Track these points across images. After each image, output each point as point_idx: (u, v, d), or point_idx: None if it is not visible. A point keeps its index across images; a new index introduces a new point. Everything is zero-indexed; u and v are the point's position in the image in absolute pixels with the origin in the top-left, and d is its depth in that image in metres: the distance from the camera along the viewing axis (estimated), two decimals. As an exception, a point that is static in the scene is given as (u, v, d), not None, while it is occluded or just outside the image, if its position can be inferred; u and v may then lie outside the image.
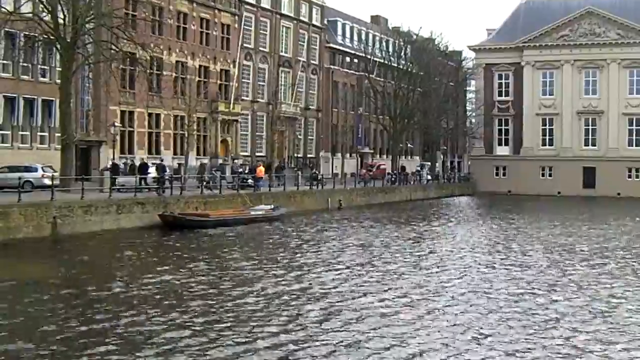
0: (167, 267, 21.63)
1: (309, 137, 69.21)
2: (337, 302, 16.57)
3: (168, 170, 39.83)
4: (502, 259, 25.21)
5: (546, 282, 19.96)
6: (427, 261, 23.97)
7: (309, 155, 68.41)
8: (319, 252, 25.76)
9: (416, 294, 17.88)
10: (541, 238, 32.15)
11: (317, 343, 12.84)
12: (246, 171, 48.19)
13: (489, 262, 24.26)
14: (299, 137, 66.16)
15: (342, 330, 13.79)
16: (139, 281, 19.20)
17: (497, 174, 73.30)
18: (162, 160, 42.02)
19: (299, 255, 25.03)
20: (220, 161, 54.31)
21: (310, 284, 19.15)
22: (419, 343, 12.94)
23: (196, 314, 15.14)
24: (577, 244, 29.84)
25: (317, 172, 55.01)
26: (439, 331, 13.92)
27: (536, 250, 27.73)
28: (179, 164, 43.92)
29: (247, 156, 59.64)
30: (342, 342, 12.92)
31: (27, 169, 34.62)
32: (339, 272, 21.31)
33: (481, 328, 14.34)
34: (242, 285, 18.66)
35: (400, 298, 17.33)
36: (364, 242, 28.98)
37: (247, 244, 27.96)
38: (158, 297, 17.01)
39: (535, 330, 14.25)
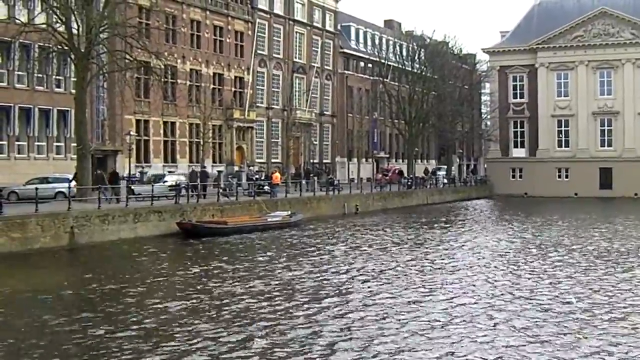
0: (198, 270, 21.30)
1: (325, 143, 68.96)
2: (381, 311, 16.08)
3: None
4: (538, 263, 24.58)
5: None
6: (467, 270, 23.19)
7: (324, 161, 68.12)
8: (347, 257, 25.34)
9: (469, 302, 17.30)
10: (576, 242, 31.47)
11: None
12: (262, 178, 47.84)
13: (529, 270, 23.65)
14: (314, 142, 65.89)
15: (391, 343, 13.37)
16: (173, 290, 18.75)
17: (513, 176, 72.56)
18: (204, 167, 42.79)
19: (324, 259, 24.61)
20: (236, 168, 54.08)
21: (351, 287, 19.08)
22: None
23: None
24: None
25: (333, 178, 54.58)
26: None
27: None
28: (218, 172, 44.26)
29: (262, 163, 59.42)
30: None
31: (58, 180, 34.39)
32: (370, 275, 21.06)
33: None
34: (277, 293, 18.34)
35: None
36: (385, 247, 28.45)
37: (273, 249, 27.84)
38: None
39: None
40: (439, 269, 22.67)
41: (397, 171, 66.35)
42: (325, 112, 68.49)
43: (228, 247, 28.75)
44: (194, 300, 17.27)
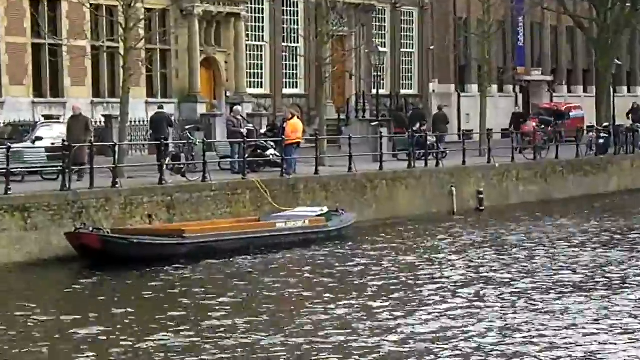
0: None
1: (404, 51, 68.61)
2: None
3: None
4: None
5: None
6: None
7: (403, 91, 68.21)
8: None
9: None
10: None
11: None
12: (263, 130, 47.36)
13: None
14: (381, 49, 65.04)
15: None
16: None
17: None
18: (161, 107, 44.39)
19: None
20: (200, 109, 53.72)
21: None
22: None
23: None
24: None
25: (423, 130, 53.44)
26: None
27: None
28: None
29: (263, 96, 59.10)
30: None
31: None
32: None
33: None
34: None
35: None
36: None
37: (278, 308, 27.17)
38: None
39: None
40: None
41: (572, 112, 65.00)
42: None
43: (172, 293, 28.40)
44: None
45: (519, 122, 62.78)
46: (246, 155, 40.91)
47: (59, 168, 34.75)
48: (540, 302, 27.09)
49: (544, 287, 29.30)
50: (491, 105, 64.54)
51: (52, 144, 37.55)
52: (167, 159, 38.51)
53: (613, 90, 68.80)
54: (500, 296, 27.80)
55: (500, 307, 26.51)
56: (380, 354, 21.39)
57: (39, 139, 38.96)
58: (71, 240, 31.51)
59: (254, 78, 59.49)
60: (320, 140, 45.07)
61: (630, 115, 68.36)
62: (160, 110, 42.55)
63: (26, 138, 38.76)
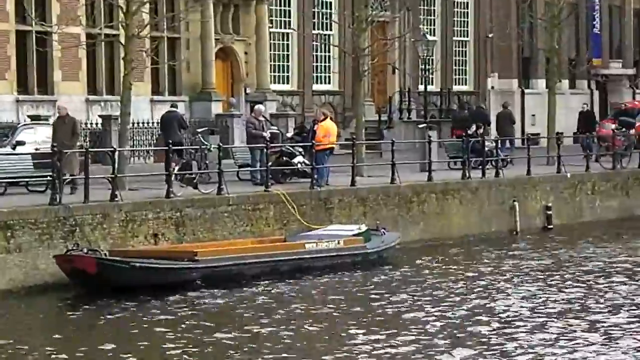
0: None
1: (457, 40, 68.54)
2: None
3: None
4: None
5: None
6: None
7: (456, 87, 68.22)
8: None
9: None
10: None
11: None
12: (289, 134, 47.40)
13: None
14: (428, 37, 65.02)
15: None
16: None
17: None
18: (174, 106, 43.92)
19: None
20: (216, 108, 53.72)
21: None
22: None
23: None
24: None
25: (480, 133, 53.36)
26: None
27: None
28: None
29: (289, 93, 58.98)
30: None
31: None
32: None
33: None
34: None
35: None
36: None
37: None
38: None
39: None
40: None
41: None
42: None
43: (181, 328, 28.06)
44: None
45: (589, 124, 62.75)
46: (269, 164, 40.81)
47: (48, 178, 34.81)
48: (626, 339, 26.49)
49: (630, 323, 28.66)
50: (561, 104, 64.63)
51: (36, 149, 37.64)
52: (176, 167, 38.45)
53: None
54: (573, 335, 27.20)
55: (572, 348, 26.10)
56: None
57: (21, 143, 39.12)
58: (62, 264, 31.39)
59: (278, 72, 59.57)
60: (358, 146, 45.06)
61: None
62: (172, 109, 42.63)
63: (5, 142, 38.83)
